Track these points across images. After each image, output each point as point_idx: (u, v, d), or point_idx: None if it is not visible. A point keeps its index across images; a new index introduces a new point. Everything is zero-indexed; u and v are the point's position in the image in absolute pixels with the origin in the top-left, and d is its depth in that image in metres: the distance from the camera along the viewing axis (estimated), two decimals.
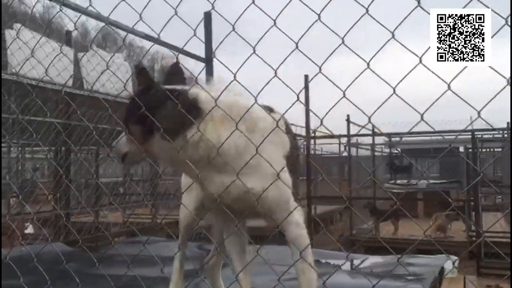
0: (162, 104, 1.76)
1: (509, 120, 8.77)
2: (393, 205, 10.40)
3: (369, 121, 1.54)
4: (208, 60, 5.41)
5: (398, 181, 14.34)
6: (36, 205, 5.54)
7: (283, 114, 1.92)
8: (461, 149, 12.99)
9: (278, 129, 1.77)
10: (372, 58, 1.41)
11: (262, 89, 1.71)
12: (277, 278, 1.66)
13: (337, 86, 1.52)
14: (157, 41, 4.52)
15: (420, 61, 1.31)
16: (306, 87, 8.56)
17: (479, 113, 1.28)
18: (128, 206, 8.72)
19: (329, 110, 1.59)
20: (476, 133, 7.87)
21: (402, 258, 2.79)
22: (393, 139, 14.99)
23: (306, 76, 8.40)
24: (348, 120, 9.99)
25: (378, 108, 1.51)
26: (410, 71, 1.35)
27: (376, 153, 14.10)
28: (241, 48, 1.75)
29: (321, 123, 1.72)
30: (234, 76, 1.61)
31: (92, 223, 5.57)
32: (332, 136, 11.13)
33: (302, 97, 1.73)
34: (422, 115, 1.36)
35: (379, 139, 13.81)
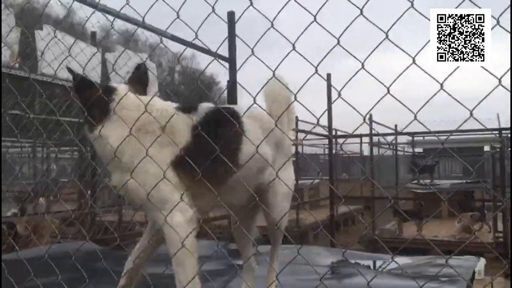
0: (89, 100, 1.94)
1: None
2: (416, 206, 10.26)
3: (364, 121, 1.53)
4: (231, 60, 5.41)
5: (421, 181, 14.14)
6: (61, 204, 5.61)
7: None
8: (486, 148, 12.75)
9: (175, 130, 1.88)
10: (366, 59, 1.40)
11: (259, 91, 1.79)
12: (315, 278, 1.63)
13: (334, 88, 1.50)
14: (181, 41, 4.55)
15: (414, 61, 1.30)
16: (329, 86, 8.50)
17: (471, 112, 1.26)
18: None
19: (323, 113, 1.57)
20: (503, 132, 7.69)
21: (434, 260, 2.75)
22: (415, 138, 14.81)
23: (328, 75, 8.33)
24: (370, 120, 9.88)
25: (372, 108, 1.53)
26: (403, 71, 1.34)
27: (399, 153, 13.93)
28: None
29: (318, 122, 1.72)
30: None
31: (119, 222, 5.62)
32: (353, 136, 11.05)
33: (312, 95, 1.71)
34: (415, 114, 1.36)
35: (401, 139, 13.65)
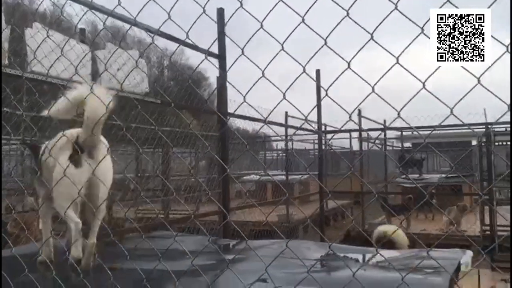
0: None
1: None
2: (405, 200, 10.39)
3: (350, 119, 1.57)
4: (221, 56, 5.44)
5: (410, 176, 14.29)
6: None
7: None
8: (474, 142, 12.90)
9: None
10: (352, 59, 1.44)
11: (249, 89, 1.81)
12: (305, 271, 1.68)
13: (322, 87, 1.54)
14: (168, 37, 4.56)
15: (397, 62, 1.33)
16: (318, 82, 8.55)
17: (451, 110, 1.31)
18: (139, 202, 8.79)
19: (311, 110, 1.61)
20: (489, 126, 7.80)
21: (420, 253, 2.81)
22: (404, 133, 14.94)
23: (317, 71, 8.39)
24: (359, 115, 9.97)
25: (357, 107, 1.57)
26: (387, 71, 1.38)
27: (388, 148, 14.05)
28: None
29: (306, 120, 1.76)
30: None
31: (110, 217, 5.61)
32: (342, 131, 11.14)
33: (302, 89, 1.74)
34: (399, 112, 1.40)
35: (390, 134, 13.76)
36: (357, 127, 10.45)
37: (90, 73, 3.89)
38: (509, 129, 10.40)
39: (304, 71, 1.54)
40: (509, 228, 8.92)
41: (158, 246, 3.15)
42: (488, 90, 1.26)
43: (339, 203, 13.11)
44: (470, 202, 13.09)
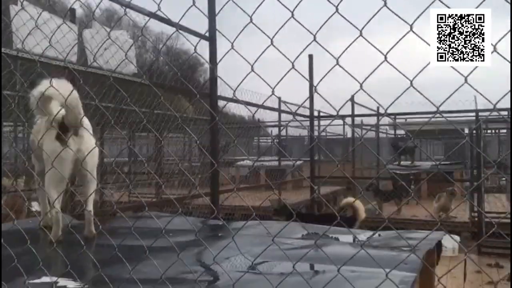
0: None
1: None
2: (396, 186, 10.47)
3: (337, 114, 1.59)
4: (211, 39, 5.42)
5: (402, 163, 14.37)
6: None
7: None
8: (466, 130, 12.96)
9: None
10: (341, 54, 1.42)
11: (238, 85, 1.84)
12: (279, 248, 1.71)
13: (307, 79, 1.54)
14: (160, 19, 4.54)
15: (385, 59, 1.32)
16: (310, 67, 8.55)
17: (438, 108, 1.32)
18: (132, 185, 8.83)
19: (304, 101, 1.61)
20: (480, 113, 7.84)
21: (402, 233, 2.86)
22: (398, 120, 14.99)
23: (310, 56, 8.38)
24: (352, 101, 9.99)
25: (345, 104, 1.60)
26: (376, 68, 1.37)
27: (381, 135, 14.10)
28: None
29: (296, 111, 1.78)
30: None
31: (100, 200, 5.64)
32: (335, 117, 11.16)
33: (296, 79, 1.74)
34: (385, 110, 1.40)
35: (384, 121, 13.81)
36: (352, 115, 10.50)
37: (76, 53, 3.89)
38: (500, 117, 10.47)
39: (293, 67, 1.53)
40: (497, 215, 9.04)
41: (147, 226, 3.22)
42: (475, 89, 1.25)
43: (332, 190, 13.18)
44: (461, 189, 13.23)
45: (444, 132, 13.43)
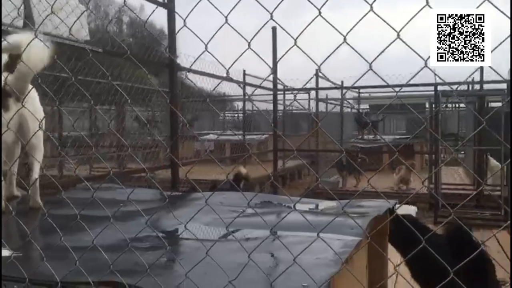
0: None
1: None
2: (355, 161, 10.70)
3: (303, 87, 1.56)
4: (169, 8, 5.28)
5: (365, 137, 14.64)
6: None
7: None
8: (427, 105, 13.24)
9: None
10: (322, 63, 1.41)
11: (193, 62, 1.75)
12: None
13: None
14: None
15: (345, 40, 1.28)
16: (274, 40, 8.48)
17: (396, 93, 1.38)
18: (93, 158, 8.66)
19: (269, 75, 1.58)
20: (439, 87, 7.98)
21: (355, 202, 2.92)
22: (361, 95, 15.18)
23: (273, 28, 8.29)
24: (317, 75, 9.99)
25: (309, 80, 1.55)
26: (334, 50, 1.34)
27: (345, 109, 14.25)
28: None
29: (259, 86, 1.74)
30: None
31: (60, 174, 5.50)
32: (298, 89, 11.19)
33: (265, 49, 1.68)
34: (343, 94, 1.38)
35: (348, 95, 13.93)
36: (315, 88, 10.51)
37: (22, 17, 3.69)
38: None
39: (249, 47, 1.45)
40: (455, 187, 9.38)
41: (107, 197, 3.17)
42: (408, 45, 1.23)
43: (296, 163, 13.31)
44: (421, 161, 13.63)
45: (405, 107, 13.67)
